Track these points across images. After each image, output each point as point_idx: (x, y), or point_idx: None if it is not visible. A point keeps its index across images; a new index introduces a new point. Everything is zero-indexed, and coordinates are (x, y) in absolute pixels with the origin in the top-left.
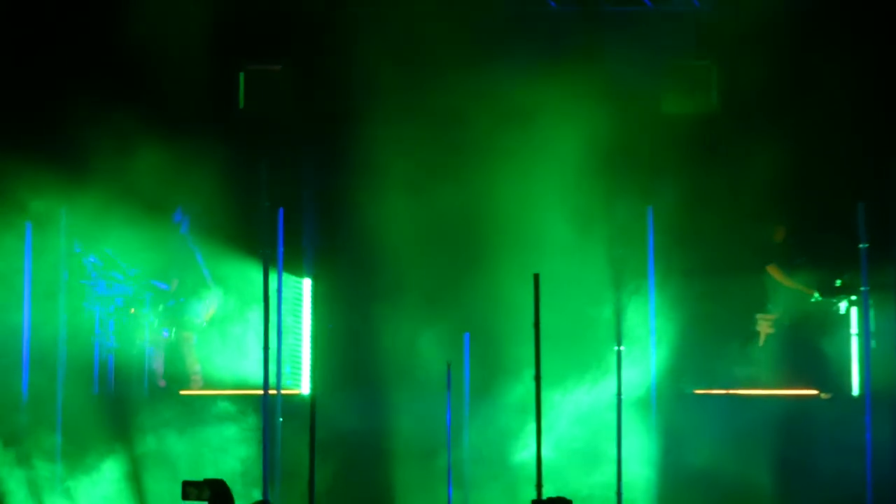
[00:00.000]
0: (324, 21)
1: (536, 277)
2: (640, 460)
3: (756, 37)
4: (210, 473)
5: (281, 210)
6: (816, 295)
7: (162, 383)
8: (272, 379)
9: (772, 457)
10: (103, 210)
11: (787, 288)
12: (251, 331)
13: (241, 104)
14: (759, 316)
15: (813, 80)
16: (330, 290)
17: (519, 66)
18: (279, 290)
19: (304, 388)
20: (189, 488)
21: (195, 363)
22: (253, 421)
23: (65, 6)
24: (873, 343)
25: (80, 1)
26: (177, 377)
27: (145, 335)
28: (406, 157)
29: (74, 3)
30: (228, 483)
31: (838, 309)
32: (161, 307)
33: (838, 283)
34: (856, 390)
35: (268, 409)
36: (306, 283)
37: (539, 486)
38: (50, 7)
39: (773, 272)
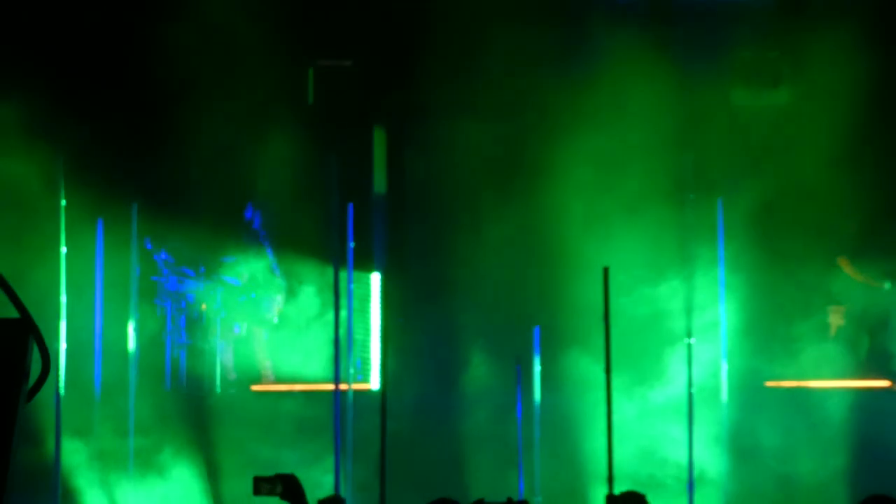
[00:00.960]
0: (392, 16)
1: (606, 271)
2: (709, 453)
3: (827, 27)
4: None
5: (350, 205)
6: (888, 285)
7: (233, 378)
8: (343, 374)
9: (844, 449)
10: (174, 206)
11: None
12: (321, 326)
13: (311, 100)
14: (830, 307)
15: (884, 71)
16: (399, 285)
17: (586, 58)
18: (349, 285)
19: (374, 382)
20: (261, 483)
21: (266, 359)
22: (324, 416)
23: None
24: None
25: None
26: (248, 373)
27: (216, 331)
28: (474, 150)
29: None
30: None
31: None
32: (232, 303)
33: None
34: None
35: (339, 403)
36: (375, 278)
37: (610, 478)
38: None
39: (844, 265)
